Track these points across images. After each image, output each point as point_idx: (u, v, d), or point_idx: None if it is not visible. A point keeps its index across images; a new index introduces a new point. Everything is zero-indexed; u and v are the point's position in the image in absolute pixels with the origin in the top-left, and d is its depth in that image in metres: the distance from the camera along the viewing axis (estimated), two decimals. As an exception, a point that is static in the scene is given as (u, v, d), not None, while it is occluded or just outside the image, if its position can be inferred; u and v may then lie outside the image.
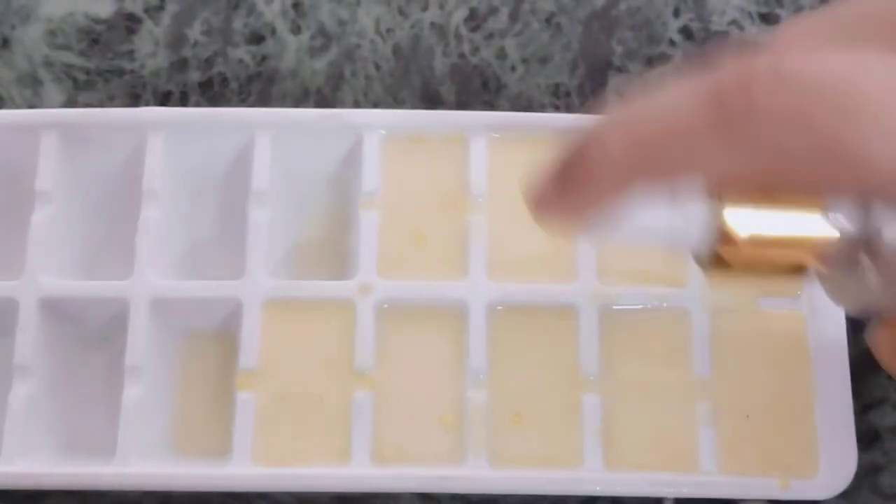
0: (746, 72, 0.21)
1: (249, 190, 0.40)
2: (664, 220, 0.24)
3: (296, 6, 0.45)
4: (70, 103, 0.44)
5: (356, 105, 0.44)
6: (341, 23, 0.45)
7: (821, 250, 0.24)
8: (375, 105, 0.44)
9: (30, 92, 0.44)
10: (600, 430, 0.38)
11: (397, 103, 0.44)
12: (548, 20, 0.45)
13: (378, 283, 0.39)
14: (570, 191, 0.23)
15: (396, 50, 0.45)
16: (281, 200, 0.41)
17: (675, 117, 0.21)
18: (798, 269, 0.24)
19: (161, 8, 0.45)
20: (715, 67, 0.21)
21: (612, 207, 0.23)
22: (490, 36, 0.45)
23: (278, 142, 0.41)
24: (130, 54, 0.45)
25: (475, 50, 0.45)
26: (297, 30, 0.45)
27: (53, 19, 0.45)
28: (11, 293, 0.39)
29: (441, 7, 0.46)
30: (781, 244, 0.24)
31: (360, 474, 0.37)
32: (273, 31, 0.45)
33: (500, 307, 0.39)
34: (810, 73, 0.21)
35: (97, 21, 0.45)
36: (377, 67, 0.45)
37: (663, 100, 0.22)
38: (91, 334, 0.40)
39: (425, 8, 0.46)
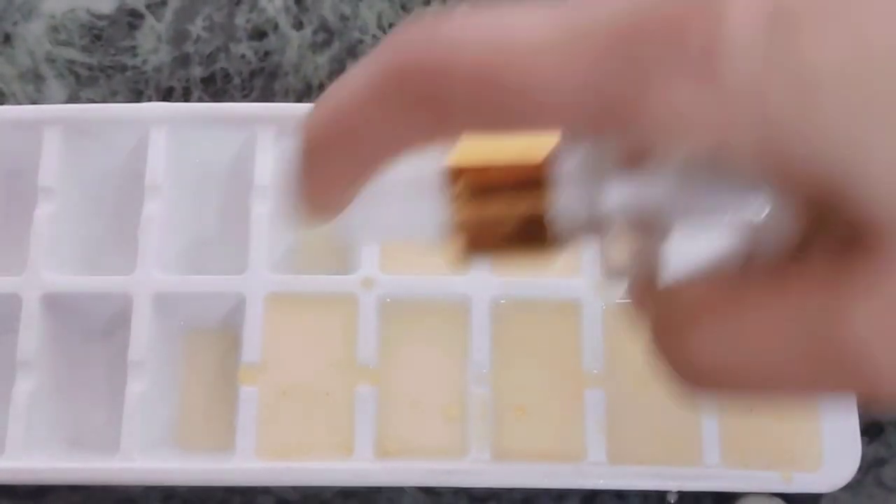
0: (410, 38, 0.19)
1: (252, 185, 0.40)
2: (407, 211, 0.23)
3: (298, 1, 0.45)
4: (72, 99, 0.44)
5: (358, 100, 0.44)
6: (343, 18, 0.45)
7: (550, 230, 0.23)
8: (378, 100, 0.44)
9: (32, 88, 0.44)
10: (603, 424, 0.38)
11: (399, 98, 0.44)
12: (550, 14, 0.45)
13: (381, 278, 0.39)
14: (301, 174, 0.21)
15: (398, 45, 0.45)
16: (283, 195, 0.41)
17: (353, 89, 0.20)
18: (538, 250, 0.24)
19: (163, 4, 0.45)
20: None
21: (344, 192, 0.21)
22: (492, 30, 0.45)
23: (281, 137, 0.41)
24: (133, 50, 0.45)
25: (477, 44, 0.45)
26: (299, 25, 0.45)
27: (56, 15, 0.45)
28: (15, 289, 0.39)
29: (443, 1, 0.45)
30: (506, 208, 0.23)
31: (364, 468, 0.37)
32: (275, 27, 0.45)
33: (503, 301, 0.39)
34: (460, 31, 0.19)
35: (99, 17, 0.45)
36: (379, 62, 0.45)
37: (350, 74, 0.20)
38: (94, 329, 0.40)
39: (427, 2, 0.45)
